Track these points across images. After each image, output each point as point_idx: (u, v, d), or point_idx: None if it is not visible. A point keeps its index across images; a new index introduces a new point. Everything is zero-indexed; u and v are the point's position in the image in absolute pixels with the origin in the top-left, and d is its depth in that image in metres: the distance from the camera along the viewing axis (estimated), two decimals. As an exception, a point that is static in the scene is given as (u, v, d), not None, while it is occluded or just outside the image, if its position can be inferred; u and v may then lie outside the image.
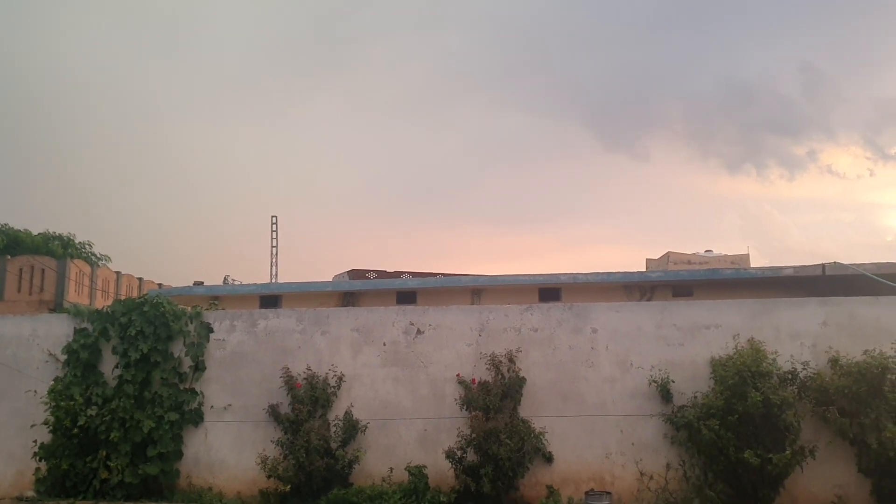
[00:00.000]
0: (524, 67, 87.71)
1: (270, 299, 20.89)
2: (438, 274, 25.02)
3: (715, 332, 11.62)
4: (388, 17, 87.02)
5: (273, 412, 11.89)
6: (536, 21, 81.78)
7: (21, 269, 29.83)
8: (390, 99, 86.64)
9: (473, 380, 11.76)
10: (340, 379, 12.03)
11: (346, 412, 11.81)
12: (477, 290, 20.29)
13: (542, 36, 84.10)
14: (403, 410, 11.97)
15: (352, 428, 11.71)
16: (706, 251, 29.72)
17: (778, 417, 10.39)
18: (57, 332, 12.66)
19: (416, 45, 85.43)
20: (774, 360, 10.88)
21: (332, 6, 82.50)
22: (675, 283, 19.72)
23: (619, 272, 19.57)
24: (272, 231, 38.25)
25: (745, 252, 29.01)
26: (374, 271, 26.52)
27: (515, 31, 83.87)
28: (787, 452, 10.23)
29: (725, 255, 28.85)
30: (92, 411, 11.78)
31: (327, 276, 27.47)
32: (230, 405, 12.17)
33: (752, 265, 27.09)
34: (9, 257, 30.50)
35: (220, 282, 28.41)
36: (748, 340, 11.18)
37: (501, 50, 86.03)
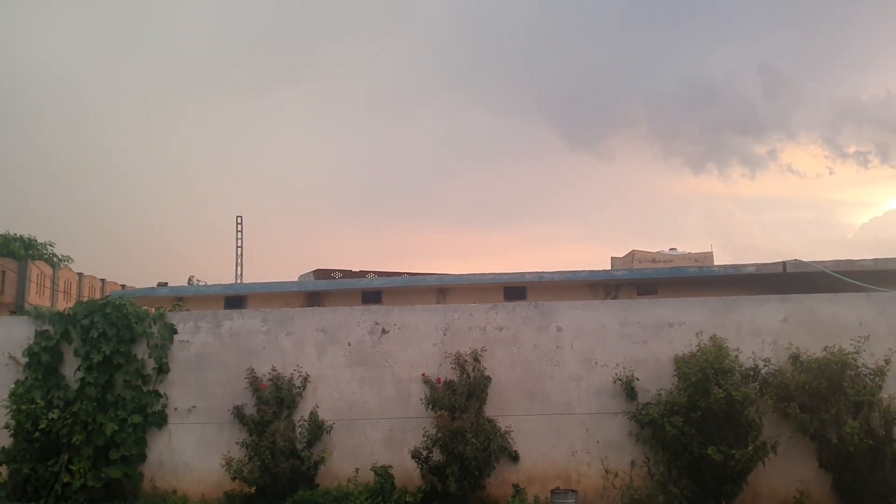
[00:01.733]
0: (488, 68, 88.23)
1: (236, 300, 20.73)
2: (404, 273, 25.03)
3: (678, 329, 11.75)
4: (354, 17, 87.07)
5: (238, 413, 11.79)
6: (501, 22, 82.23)
7: (-20, 271, 29.26)
8: (355, 99, 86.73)
9: (439, 379, 11.77)
10: (305, 379, 11.97)
11: (312, 413, 11.76)
12: (442, 290, 20.31)
13: (506, 37, 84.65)
14: (369, 411, 11.95)
15: (317, 429, 11.66)
16: (670, 249, 30.06)
17: (740, 414, 10.54)
18: (17, 334, 12.42)
19: (381, 45, 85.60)
20: (737, 357, 11.03)
21: (296, 8, 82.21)
22: (639, 281, 19.92)
23: (584, 271, 19.72)
24: (237, 231, 37.98)
25: (709, 250, 29.38)
26: (339, 271, 26.45)
27: (480, 32, 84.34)
28: (750, 448, 10.37)
29: (689, 254, 29.24)
30: (53, 415, 11.59)
31: (293, 276, 27.38)
32: (194, 407, 12.05)
33: (715, 263, 27.47)
34: (-33, 259, 29.87)
35: (184, 283, 28.16)
36: (711, 338, 11.32)
37: (466, 51, 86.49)
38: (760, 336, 11.60)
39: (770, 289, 17.15)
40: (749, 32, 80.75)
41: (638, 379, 11.57)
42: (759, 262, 18.50)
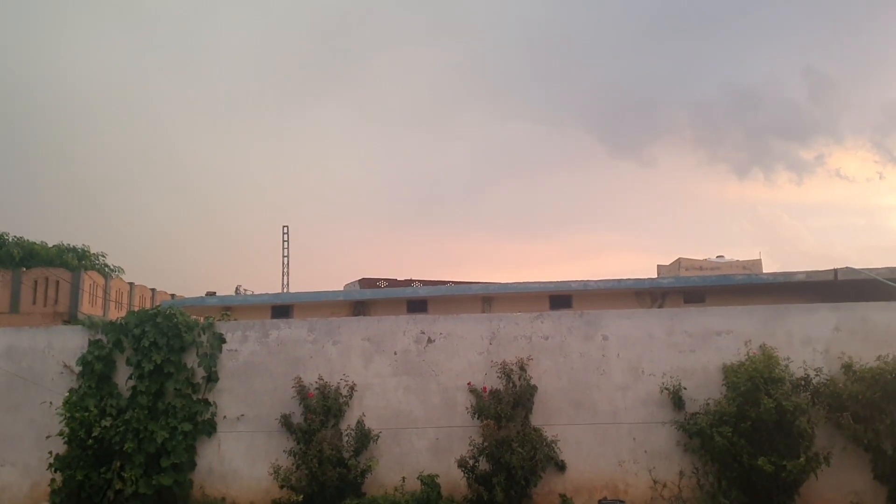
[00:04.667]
0: (529, 77, 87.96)
1: (282, 309, 20.93)
2: (448, 282, 25.02)
3: (727, 338, 11.59)
4: (394, 30, 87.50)
5: (285, 422, 11.92)
6: (540, 31, 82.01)
7: (36, 282, 30.05)
8: (398, 109, 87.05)
9: (485, 388, 11.77)
10: (352, 388, 12.06)
11: (358, 421, 11.84)
12: (487, 298, 20.26)
13: (545, 46, 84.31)
14: (415, 419, 11.99)
15: (364, 437, 11.73)
16: (717, 257, 29.55)
17: (791, 424, 10.36)
18: (71, 343, 12.75)
19: (421, 56, 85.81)
20: (787, 366, 10.86)
21: (339, 20, 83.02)
22: (686, 289, 19.65)
23: (629, 279, 19.51)
24: (284, 241, 38.40)
25: (757, 257, 28.80)
26: (384, 280, 26.56)
27: (519, 42, 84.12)
28: (802, 459, 10.20)
29: (737, 261, 28.66)
30: (106, 422, 11.84)
31: (338, 285, 27.54)
32: (243, 415, 12.22)
33: (764, 270, 26.95)
34: (24, 270, 30.70)
35: (231, 292, 28.55)
36: (760, 346, 11.15)
37: (506, 60, 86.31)
38: (811, 345, 11.38)
39: (821, 297, 16.80)
40: (792, 35, 79.44)
41: (685, 388, 11.43)
42: (808, 269, 18.14)
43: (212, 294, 23.31)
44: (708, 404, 11.15)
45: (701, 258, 29.14)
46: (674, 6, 79.39)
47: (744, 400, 10.55)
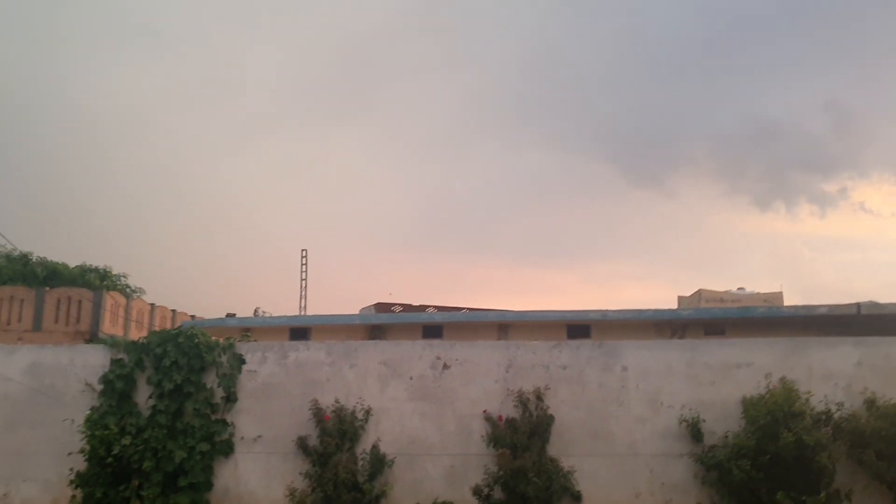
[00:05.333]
0: (547, 106, 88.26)
1: (300, 331, 21.07)
2: (464, 308, 25.06)
3: (746, 371, 11.51)
4: (412, 59, 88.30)
5: (302, 444, 11.93)
6: (559, 61, 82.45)
7: (59, 301, 30.39)
8: (415, 137, 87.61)
9: (500, 417, 11.74)
10: (368, 412, 12.07)
11: (374, 446, 11.84)
12: (504, 326, 20.28)
13: (564, 76, 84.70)
14: (430, 446, 11.97)
15: (379, 462, 11.72)
16: (738, 289, 29.34)
17: (811, 459, 10.24)
18: (93, 362, 12.87)
19: (439, 85, 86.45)
20: (807, 400, 10.75)
21: (359, 50, 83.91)
22: (707, 321, 19.58)
23: (649, 310, 19.48)
24: (302, 264, 38.66)
25: (779, 290, 28.58)
26: (399, 305, 26.63)
27: (538, 71, 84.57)
28: (822, 496, 10.07)
29: (758, 293, 28.43)
30: (126, 441, 11.90)
31: (354, 309, 27.68)
32: (260, 436, 12.25)
33: (785, 304, 26.74)
34: (47, 289, 31.08)
35: (250, 314, 28.69)
36: (780, 380, 11.06)
37: (524, 89, 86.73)
38: (833, 379, 11.28)
39: (843, 331, 16.63)
40: (813, 68, 79.20)
41: (704, 420, 11.34)
42: (831, 303, 18.01)
43: (231, 315, 23.51)
44: (727, 437, 11.05)
45: (722, 290, 28.95)
46: (694, 37, 79.64)
47: (763, 434, 10.45)
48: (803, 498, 10.04)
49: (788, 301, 25.91)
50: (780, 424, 10.35)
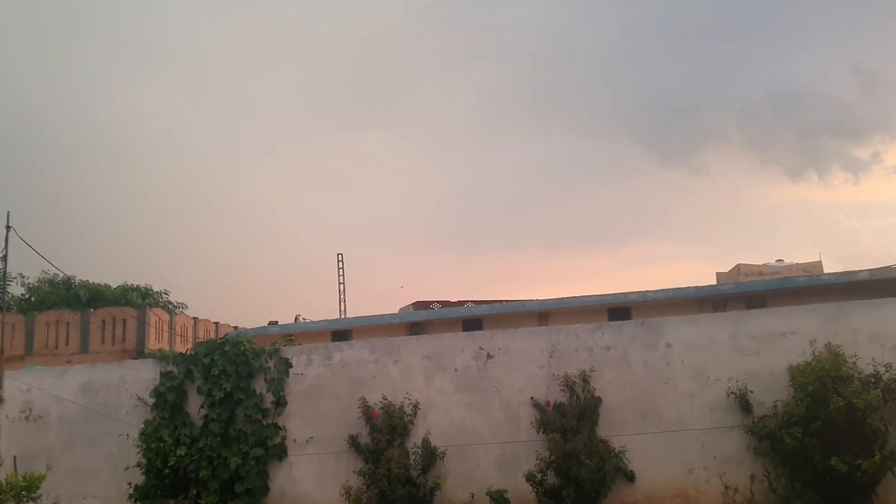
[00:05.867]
0: (572, 90, 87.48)
1: (341, 334, 21.27)
2: (502, 300, 25.07)
3: (791, 339, 11.43)
4: (428, 57, 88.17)
5: (353, 443, 12.10)
6: (578, 44, 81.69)
7: (104, 321, 30.95)
8: (439, 134, 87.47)
9: (548, 402, 11.79)
10: (416, 407, 12.20)
11: (424, 440, 11.96)
12: (543, 314, 20.28)
13: (587, 58, 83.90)
14: (479, 436, 12.06)
15: (430, 455, 11.84)
16: (777, 261, 29.08)
17: (863, 422, 10.15)
18: (144, 376, 13.16)
19: (462, 78, 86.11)
20: (854, 363, 10.65)
21: (375, 53, 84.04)
22: (747, 294, 19.40)
23: (689, 287, 19.37)
24: (339, 268, 38.88)
25: (818, 259, 28.26)
26: (437, 302, 26.73)
27: (558, 56, 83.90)
28: (877, 458, 9.96)
29: (797, 264, 28.16)
30: (181, 451, 12.16)
31: (393, 310, 27.80)
32: (311, 438, 12.44)
33: (825, 272, 26.41)
34: (92, 311, 31.68)
35: (291, 321, 28.98)
36: (826, 345, 10.97)
37: (547, 75, 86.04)
38: (879, 341, 11.15)
39: (886, 295, 16.42)
40: (836, 33, 77.51)
41: (752, 391, 11.29)
42: (871, 268, 17.78)
43: (274, 323, 23.79)
44: (776, 406, 11.00)
45: (760, 263, 28.71)
46: (713, 11, 78.57)
47: (812, 400, 10.38)
48: (858, 462, 9.94)
49: (828, 270, 25.62)
50: (829, 389, 10.27)
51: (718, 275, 29.54)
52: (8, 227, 14.40)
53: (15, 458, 13.09)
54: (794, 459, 10.47)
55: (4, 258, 14.61)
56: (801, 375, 10.73)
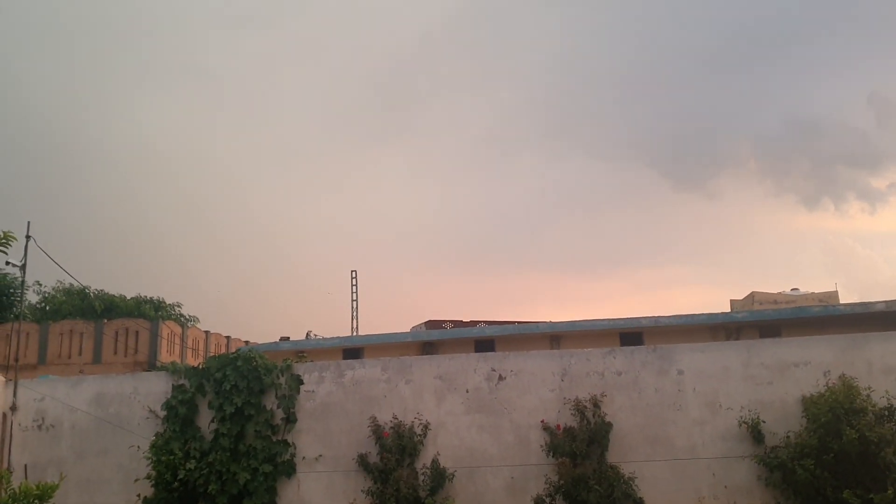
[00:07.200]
0: (585, 114, 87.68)
1: (353, 352, 21.24)
2: (514, 322, 25.01)
3: (804, 369, 11.39)
4: (444, 78, 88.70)
5: (362, 462, 12.10)
6: (594, 68, 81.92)
7: (117, 332, 31.14)
8: (453, 155, 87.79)
9: (558, 426, 11.77)
10: (426, 427, 12.19)
11: (433, 460, 11.94)
12: (556, 337, 20.19)
13: (601, 83, 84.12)
14: (489, 458, 12.03)
15: (439, 476, 11.82)
16: (792, 290, 28.89)
17: (876, 455, 10.07)
18: (156, 389, 13.22)
19: (477, 100, 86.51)
20: (868, 396, 10.59)
21: (396, 70, 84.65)
22: (761, 322, 19.26)
23: (702, 314, 19.25)
24: (352, 285, 38.93)
25: (833, 289, 28.06)
26: (449, 321, 26.68)
27: (574, 80, 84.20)
28: (890, 492, 9.86)
29: (812, 293, 27.95)
30: (191, 465, 12.17)
31: (405, 328, 27.78)
32: (321, 456, 12.43)
33: (841, 302, 26.23)
34: (105, 321, 31.89)
35: (302, 337, 29.02)
36: (839, 377, 10.92)
37: (562, 99, 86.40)
38: (894, 374, 11.10)
39: (902, 326, 16.30)
40: (852, 63, 77.29)
41: (764, 421, 11.24)
42: (888, 299, 17.63)
43: (285, 339, 23.85)
44: (788, 437, 10.94)
45: (775, 291, 28.54)
46: (729, 38, 78.67)
47: (825, 432, 10.32)
48: (870, 496, 9.86)
49: (844, 299, 25.46)
50: (842, 421, 10.22)
51: (732, 302, 29.39)
52: (28, 237, 14.56)
53: (26, 466, 13.15)
54: (805, 491, 10.39)
55: (23, 268, 14.75)
56: (815, 406, 10.68)
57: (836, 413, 10.31)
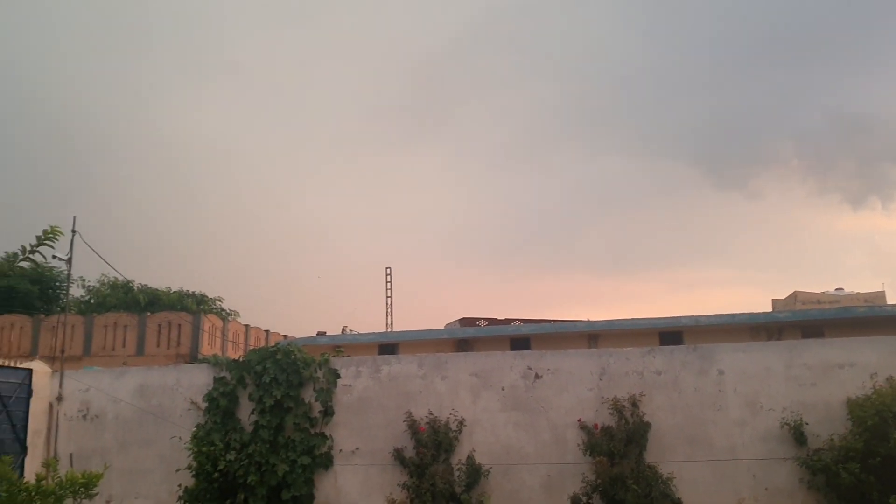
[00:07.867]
0: (626, 112, 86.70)
1: (388, 347, 21.36)
2: (549, 320, 24.88)
3: (849, 371, 11.16)
4: (482, 75, 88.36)
5: (398, 456, 12.15)
6: (635, 66, 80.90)
7: (160, 325, 31.63)
8: (491, 152, 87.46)
9: (596, 425, 11.69)
10: (461, 423, 12.19)
11: (469, 456, 11.94)
12: (593, 336, 20.07)
13: (641, 80, 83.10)
14: (525, 455, 12.00)
15: (475, 472, 11.82)
16: (836, 290, 28.30)
17: (924, 461, 9.83)
18: (198, 381, 13.42)
19: (515, 97, 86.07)
20: (917, 399, 10.33)
21: (429, 70, 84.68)
22: (804, 323, 18.95)
23: (744, 313, 18.98)
24: (387, 282, 39.09)
25: (880, 289, 27.42)
26: (484, 319, 26.64)
27: (614, 77, 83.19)
28: (937, 498, 9.64)
29: (858, 294, 27.35)
30: (231, 456, 12.35)
31: (439, 325, 27.81)
32: (357, 449, 12.52)
33: (887, 303, 25.64)
34: (149, 314, 32.42)
35: (338, 332, 29.22)
36: (887, 379, 10.69)
37: (601, 97, 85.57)
38: (944, 377, 10.79)
39: (952, 328, 15.89)
40: (894, 58, 75.38)
41: (807, 423, 11.04)
42: (937, 299, 17.21)
43: (322, 334, 24.04)
44: (832, 440, 10.73)
45: (818, 291, 28.00)
46: (772, 34, 77.31)
47: (871, 435, 10.11)
48: (918, 501, 9.64)
49: (892, 300, 24.87)
50: (890, 425, 9.99)
51: (774, 302, 28.88)
52: (73, 232, 14.85)
53: (71, 455, 13.45)
54: (850, 496, 10.19)
55: (69, 261, 15.05)
56: (860, 409, 10.46)
57: (883, 416, 10.09)
